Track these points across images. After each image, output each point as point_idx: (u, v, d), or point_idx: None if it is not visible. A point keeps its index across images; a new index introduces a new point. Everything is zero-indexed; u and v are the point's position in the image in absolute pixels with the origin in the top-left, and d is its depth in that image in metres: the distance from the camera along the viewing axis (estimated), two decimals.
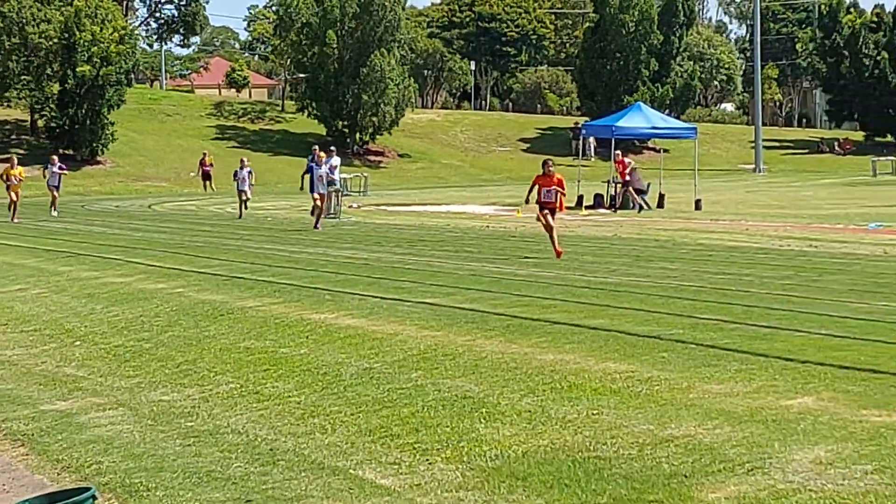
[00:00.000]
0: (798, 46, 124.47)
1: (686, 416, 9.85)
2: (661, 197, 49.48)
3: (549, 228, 25.88)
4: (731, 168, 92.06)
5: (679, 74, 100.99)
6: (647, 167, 65.61)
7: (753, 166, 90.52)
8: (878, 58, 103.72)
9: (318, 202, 36.89)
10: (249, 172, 44.80)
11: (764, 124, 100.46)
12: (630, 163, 48.39)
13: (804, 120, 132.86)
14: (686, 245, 29.74)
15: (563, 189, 26.29)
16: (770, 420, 9.59)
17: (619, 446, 9.10)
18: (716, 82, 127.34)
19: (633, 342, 13.50)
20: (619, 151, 49.88)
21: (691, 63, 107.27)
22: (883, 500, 7.44)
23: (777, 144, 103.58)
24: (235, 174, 45.03)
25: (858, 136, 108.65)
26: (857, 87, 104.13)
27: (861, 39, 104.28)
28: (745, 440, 9.01)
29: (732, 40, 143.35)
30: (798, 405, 10.08)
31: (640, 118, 51.65)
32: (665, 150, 71.31)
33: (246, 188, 44.32)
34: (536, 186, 26.28)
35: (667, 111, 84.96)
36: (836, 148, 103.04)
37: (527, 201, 27.45)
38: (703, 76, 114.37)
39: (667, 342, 13.40)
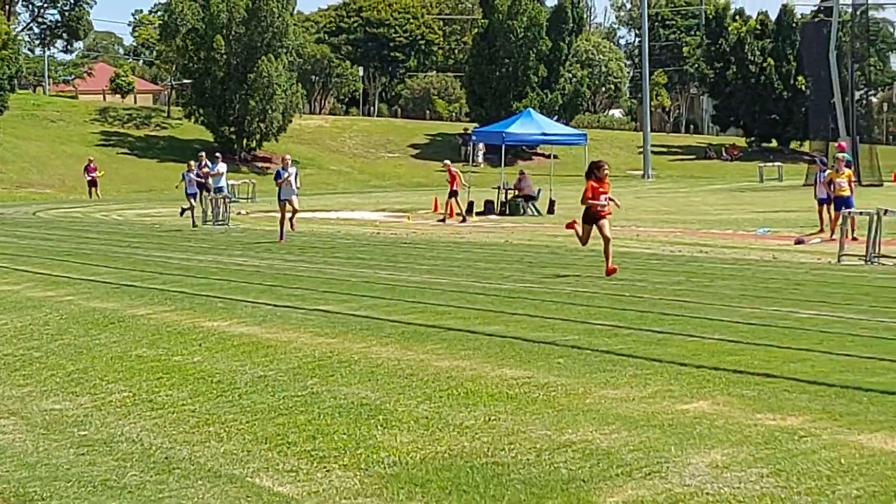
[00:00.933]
0: (685, 52, 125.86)
1: (583, 422, 9.89)
2: (552, 203, 49.75)
3: (605, 240, 22.44)
4: (620, 174, 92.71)
5: (568, 80, 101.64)
6: (536, 173, 65.90)
7: (642, 172, 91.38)
8: (764, 64, 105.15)
9: (284, 209, 34.68)
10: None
11: (652, 130, 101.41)
12: (456, 172, 47.60)
13: (692, 126, 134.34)
14: (578, 251, 29.91)
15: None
16: (666, 424, 9.66)
17: (516, 452, 9.12)
18: (604, 88, 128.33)
19: (529, 348, 13.53)
20: (447, 161, 50.04)
21: (580, 69, 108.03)
22: (778, 502, 7.51)
23: (665, 150, 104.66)
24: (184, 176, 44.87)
25: (744, 142, 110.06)
26: (743, 94, 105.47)
27: (747, 46, 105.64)
28: (642, 444, 9.06)
29: (621, 46, 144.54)
30: (693, 409, 10.16)
31: (529, 124, 51.94)
32: (555, 157, 71.70)
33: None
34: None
35: (556, 117, 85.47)
36: (724, 154, 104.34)
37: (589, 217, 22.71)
38: (591, 82, 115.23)
39: (562, 348, 13.45)
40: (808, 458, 8.50)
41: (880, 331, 14.68)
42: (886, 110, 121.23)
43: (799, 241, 31.90)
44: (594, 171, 22.36)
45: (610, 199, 22.54)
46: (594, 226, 22.39)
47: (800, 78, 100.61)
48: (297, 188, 34.94)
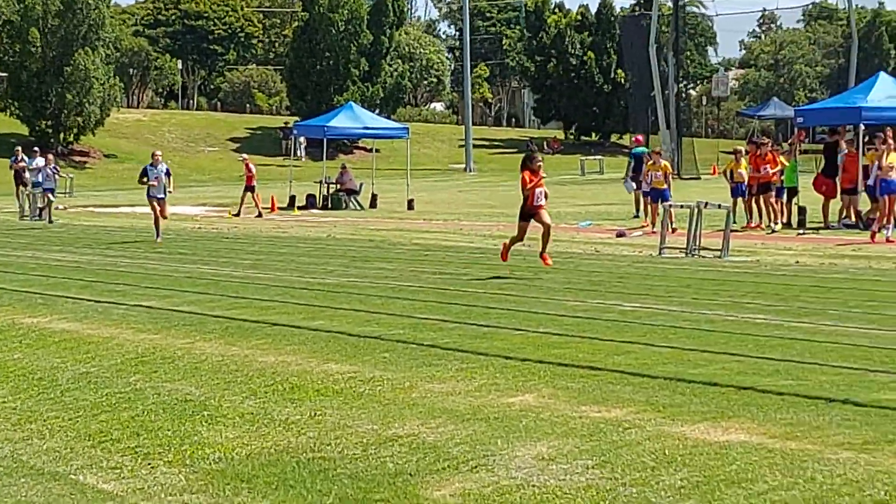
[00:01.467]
0: (506, 46, 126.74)
1: (409, 416, 9.89)
2: (374, 197, 49.77)
3: (546, 234, 21.60)
4: (443, 168, 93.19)
5: (390, 74, 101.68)
6: (358, 167, 65.90)
7: (464, 166, 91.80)
8: (585, 58, 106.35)
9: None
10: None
11: (474, 124, 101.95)
12: (253, 167, 46.94)
13: (513, 119, 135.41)
14: (402, 245, 29.97)
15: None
16: (492, 417, 9.70)
17: (343, 446, 9.07)
18: (426, 82, 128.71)
19: (355, 343, 13.51)
20: (245, 156, 49.90)
21: (401, 63, 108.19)
22: (603, 493, 7.58)
23: (487, 144, 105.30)
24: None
25: (566, 135, 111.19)
26: (564, 87, 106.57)
27: (567, 39, 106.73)
28: (468, 438, 9.08)
29: (442, 39, 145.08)
30: (519, 402, 10.22)
31: (351, 118, 51.86)
32: (377, 150, 71.74)
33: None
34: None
35: (378, 111, 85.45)
36: (545, 147, 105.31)
37: (525, 213, 21.45)
38: (413, 76, 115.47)
39: (388, 342, 13.45)
40: (632, 449, 8.60)
41: (702, 323, 14.95)
42: (705, 104, 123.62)
43: (620, 235, 32.34)
44: (527, 163, 21.60)
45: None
46: (530, 221, 21.49)
47: (620, 71, 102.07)
48: (170, 191, 32.85)
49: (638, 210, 38.71)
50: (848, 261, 24.30)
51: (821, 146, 40.25)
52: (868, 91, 35.21)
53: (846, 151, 33.68)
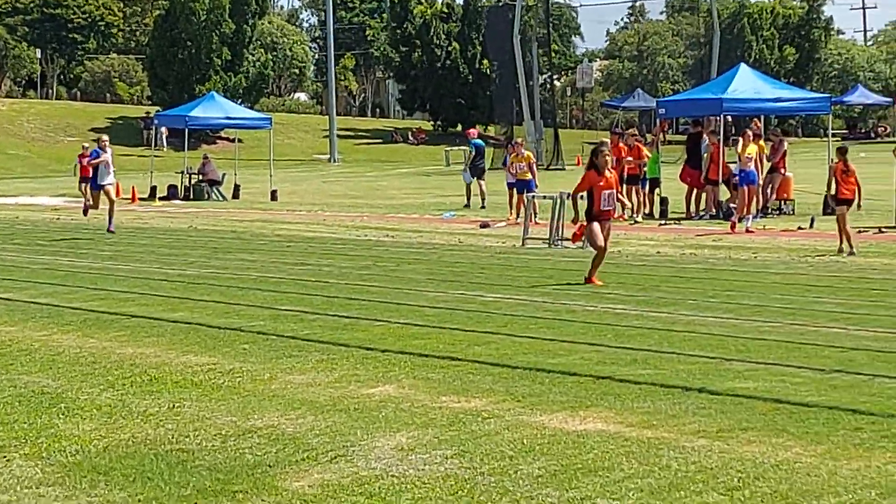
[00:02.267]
0: (370, 36, 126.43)
1: (269, 407, 9.83)
2: (237, 187, 49.41)
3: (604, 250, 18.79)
4: (307, 158, 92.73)
5: (252, 64, 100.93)
6: (221, 157, 65.37)
7: (328, 156, 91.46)
8: (450, 48, 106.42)
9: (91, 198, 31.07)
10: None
11: (338, 114, 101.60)
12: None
13: (378, 110, 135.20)
14: (264, 236, 29.79)
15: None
16: (352, 409, 9.68)
17: (202, 438, 8.98)
18: (289, 72, 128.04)
19: (215, 335, 13.41)
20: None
21: (264, 52, 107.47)
22: (462, 483, 7.59)
23: (352, 134, 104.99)
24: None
25: (431, 125, 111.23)
26: (429, 78, 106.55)
27: (433, 30, 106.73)
28: (328, 429, 9.05)
29: (305, 29, 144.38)
30: (380, 393, 10.21)
31: (213, 108, 51.39)
32: (239, 140, 71.16)
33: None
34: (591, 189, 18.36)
35: (240, 101, 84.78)
36: (410, 138, 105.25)
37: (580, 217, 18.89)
38: (276, 66, 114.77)
39: (248, 334, 13.37)
40: (491, 438, 8.63)
41: (562, 313, 15.06)
42: (570, 94, 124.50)
43: (484, 225, 32.45)
44: (593, 159, 18.36)
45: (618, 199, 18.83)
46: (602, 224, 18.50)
47: (485, 62, 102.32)
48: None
49: (468, 201, 39.10)
50: (708, 251, 24.63)
51: (685, 137, 40.71)
52: (729, 82, 35.70)
53: (710, 142, 34.09)
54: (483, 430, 8.88)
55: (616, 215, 33.80)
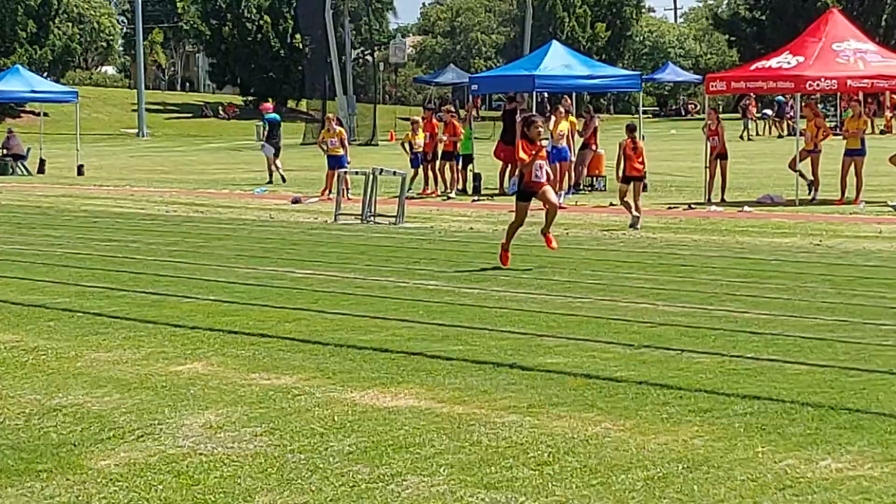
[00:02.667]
0: (180, 9, 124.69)
1: (74, 385, 9.61)
2: (42, 162, 48.40)
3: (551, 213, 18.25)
4: (115, 132, 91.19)
5: (58, 37, 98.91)
6: (26, 132, 63.88)
7: (137, 131, 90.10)
8: (262, 22, 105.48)
9: None
10: None
11: (147, 88, 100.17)
12: None
13: (188, 84, 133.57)
14: (70, 212, 29.21)
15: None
16: (160, 386, 9.51)
17: (4, 417, 8.74)
18: (96, 45, 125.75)
19: (18, 311, 13.10)
20: None
21: (71, 25, 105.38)
22: (272, 460, 7.50)
23: (161, 108, 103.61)
24: None
25: (241, 100, 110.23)
26: (240, 51, 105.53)
27: (243, 3, 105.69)
28: (134, 407, 8.88)
29: (112, 2, 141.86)
30: (188, 370, 10.05)
31: (18, 81, 50.28)
32: (45, 114, 69.67)
33: None
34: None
35: (46, 74, 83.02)
36: (221, 112, 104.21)
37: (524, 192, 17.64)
38: (83, 39, 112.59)
39: (53, 311, 13.08)
40: (301, 416, 8.55)
41: (374, 289, 15.00)
42: (383, 70, 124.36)
43: (296, 201, 32.23)
44: (525, 130, 17.85)
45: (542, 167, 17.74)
46: (531, 201, 17.93)
47: (297, 36, 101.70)
48: None
49: (271, 176, 38.91)
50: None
51: (498, 113, 40.86)
52: (541, 59, 35.92)
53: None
54: (293, 408, 8.79)
55: (430, 191, 34.10)
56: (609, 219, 25.84)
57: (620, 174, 24.99)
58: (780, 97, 65.41)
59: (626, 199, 24.36)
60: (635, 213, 24.10)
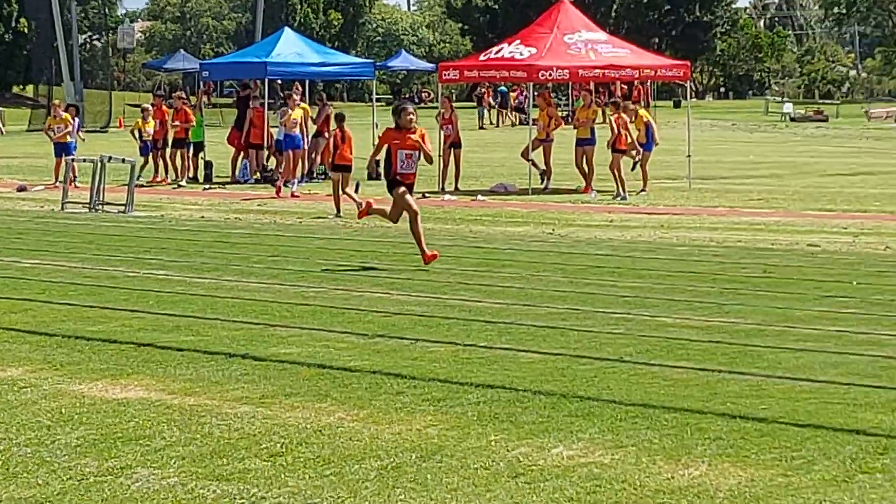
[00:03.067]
0: None
1: None
2: None
3: (413, 220, 16.52)
4: None
5: None
6: None
7: None
8: None
9: None
10: None
11: None
12: None
13: None
14: None
15: (428, 149, 16.75)
16: None
17: None
18: None
19: None
20: None
21: None
22: None
23: None
24: None
25: None
26: None
27: None
28: None
29: None
30: None
31: None
32: None
33: None
34: (387, 148, 16.48)
35: None
36: None
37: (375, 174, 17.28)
38: None
39: None
40: (28, 408, 8.31)
41: (103, 279, 14.69)
42: (111, 55, 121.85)
43: (21, 189, 31.36)
44: (395, 118, 16.63)
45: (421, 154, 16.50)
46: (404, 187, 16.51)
47: (23, 20, 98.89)
48: None
49: None
50: (253, 216, 24.59)
51: (230, 100, 40.44)
52: (273, 46, 35.72)
53: (254, 107, 33.99)
54: (19, 400, 8.53)
55: (159, 179, 33.56)
56: (343, 208, 25.82)
57: (330, 163, 25.29)
58: (503, 87, 66.50)
59: (346, 190, 24.50)
60: (359, 200, 24.24)
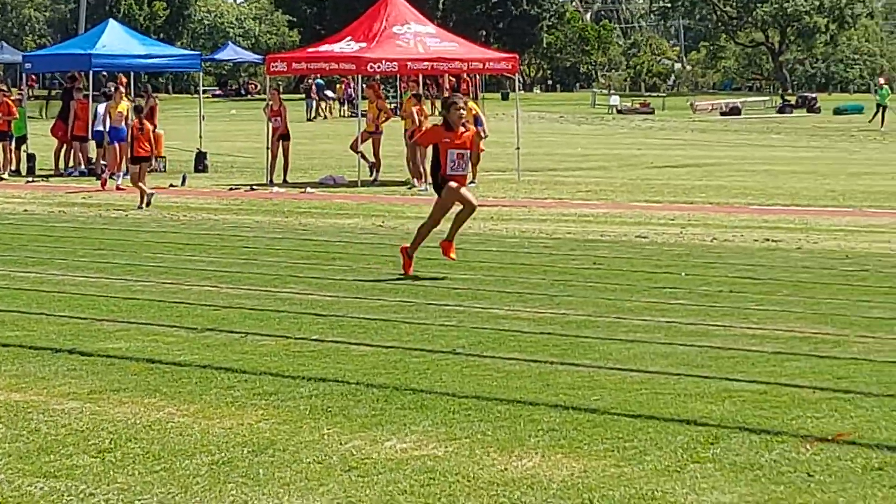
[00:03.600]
0: None
1: None
2: None
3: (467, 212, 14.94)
4: None
5: None
6: None
7: None
8: None
9: None
10: None
11: None
12: None
13: None
14: None
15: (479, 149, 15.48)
16: None
17: None
18: None
19: None
20: None
21: None
22: None
23: None
24: None
25: None
26: None
27: None
28: None
29: None
30: None
31: None
32: None
33: None
34: (434, 147, 14.65)
35: None
36: None
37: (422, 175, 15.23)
38: None
39: None
40: None
41: None
42: None
43: None
44: (443, 113, 14.92)
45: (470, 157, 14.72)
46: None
47: None
48: None
49: None
50: (78, 209, 24.13)
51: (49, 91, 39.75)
52: (98, 38, 35.15)
53: (78, 98, 33.42)
54: None
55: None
56: (169, 200, 25.51)
57: (129, 155, 25.06)
58: (320, 80, 66.43)
59: (138, 182, 24.27)
60: (149, 192, 24.04)
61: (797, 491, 6.31)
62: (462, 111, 14.48)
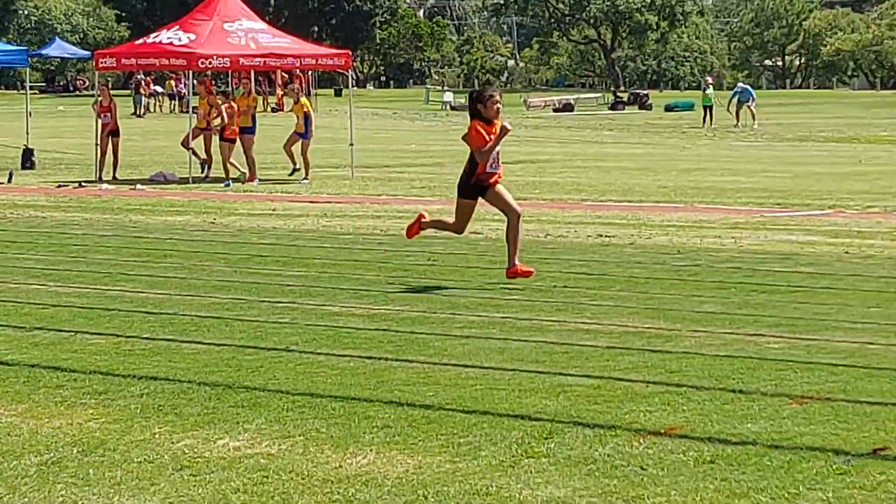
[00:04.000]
0: None
1: None
2: None
3: (514, 217, 13.72)
4: None
5: None
6: None
7: None
8: None
9: None
10: None
11: None
12: None
13: None
14: None
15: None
16: None
17: None
18: None
19: None
20: None
21: None
22: None
23: None
24: None
25: None
26: None
27: None
28: None
29: None
30: None
31: None
32: None
33: None
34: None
35: None
36: None
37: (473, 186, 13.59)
38: None
39: None
40: None
41: None
42: None
43: None
44: (477, 107, 13.54)
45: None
46: (477, 201, 13.90)
47: None
48: None
49: None
50: None
51: None
52: None
53: None
54: None
55: None
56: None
57: None
58: (140, 75, 65.72)
59: None
60: None
61: (630, 485, 6.36)
62: (500, 104, 13.56)
